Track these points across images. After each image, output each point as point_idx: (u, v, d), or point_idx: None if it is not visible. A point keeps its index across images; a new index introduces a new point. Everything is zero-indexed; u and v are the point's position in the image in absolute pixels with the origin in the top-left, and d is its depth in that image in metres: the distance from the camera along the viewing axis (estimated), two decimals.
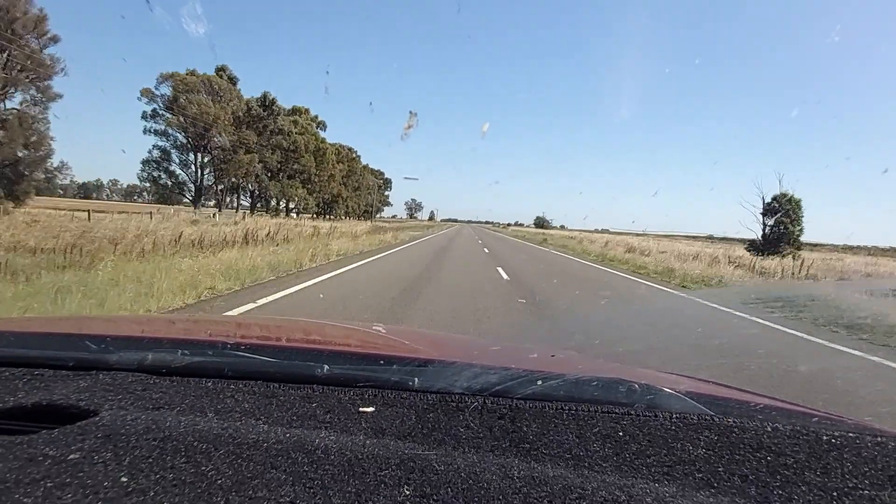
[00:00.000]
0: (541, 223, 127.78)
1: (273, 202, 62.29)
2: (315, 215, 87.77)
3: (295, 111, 64.31)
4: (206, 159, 47.07)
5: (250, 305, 5.70)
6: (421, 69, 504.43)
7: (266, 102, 49.84)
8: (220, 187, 50.54)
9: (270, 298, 6.20)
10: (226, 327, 1.29)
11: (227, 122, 44.54)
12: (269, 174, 55.32)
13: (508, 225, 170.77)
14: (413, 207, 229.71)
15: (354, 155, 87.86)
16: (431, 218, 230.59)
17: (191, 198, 45.97)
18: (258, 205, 56.85)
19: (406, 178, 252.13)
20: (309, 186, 69.64)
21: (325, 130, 69.01)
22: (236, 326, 1.40)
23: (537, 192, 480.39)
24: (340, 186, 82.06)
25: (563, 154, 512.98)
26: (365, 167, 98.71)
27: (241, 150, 46.52)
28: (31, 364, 0.70)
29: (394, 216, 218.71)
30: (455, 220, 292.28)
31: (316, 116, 68.13)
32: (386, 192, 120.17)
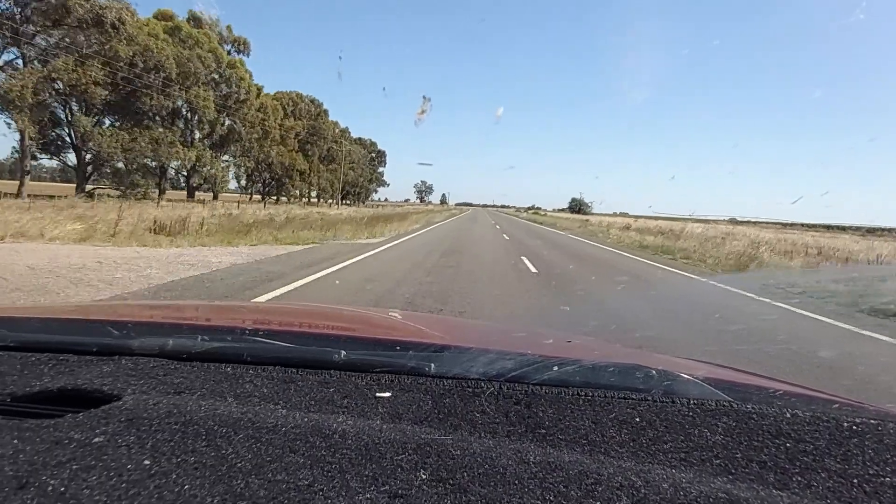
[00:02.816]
0: (577, 207, 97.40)
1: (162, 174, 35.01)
2: (262, 196, 60.67)
3: (164, 18, 36.24)
4: None
5: None
6: (434, 54, 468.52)
7: None
8: None
9: None
10: (245, 313, 1.25)
11: None
12: (94, 110, 27.86)
13: (532, 210, 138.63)
14: (423, 191, 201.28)
15: (319, 109, 59.61)
16: (443, 202, 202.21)
17: None
18: (90, 174, 29.54)
19: (420, 163, 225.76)
20: (233, 149, 42.19)
21: (246, 55, 40.75)
22: (255, 312, 1.34)
23: (553, 175, 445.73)
24: (295, 154, 54.84)
25: (578, 137, 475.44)
26: (343, 132, 70.57)
27: None
28: (56, 349, 0.70)
29: (406, 200, 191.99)
30: (469, 204, 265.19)
31: (229, 28, 40.03)
32: (380, 169, 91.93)
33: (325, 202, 71.43)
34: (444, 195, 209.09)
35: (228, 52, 39.42)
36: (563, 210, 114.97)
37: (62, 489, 0.40)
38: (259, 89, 40.88)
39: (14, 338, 0.73)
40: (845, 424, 0.55)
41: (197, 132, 39.06)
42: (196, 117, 35.33)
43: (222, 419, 0.51)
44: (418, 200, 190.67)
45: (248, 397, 0.58)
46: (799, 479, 0.46)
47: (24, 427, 0.48)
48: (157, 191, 36.66)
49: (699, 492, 0.42)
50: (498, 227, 24.96)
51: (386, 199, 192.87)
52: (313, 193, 69.52)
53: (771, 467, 0.48)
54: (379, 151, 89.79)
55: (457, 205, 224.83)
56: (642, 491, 0.42)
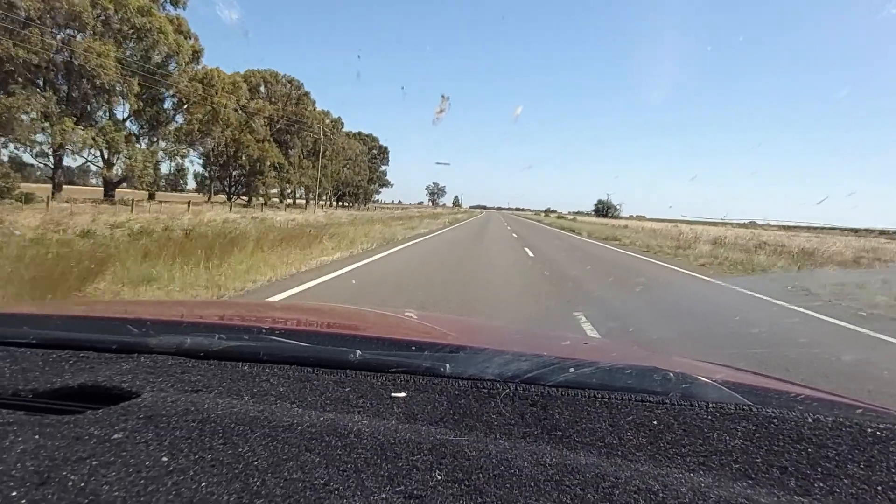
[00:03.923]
0: (604, 210, 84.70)
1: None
2: (228, 196, 49.97)
3: None
4: None
5: None
6: (453, 53, 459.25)
7: None
8: None
9: None
10: (261, 312, 1.22)
11: None
12: None
13: (555, 214, 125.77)
14: (435, 192, 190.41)
15: (300, 93, 49.07)
16: (456, 204, 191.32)
17: None
18: None
19: (438, 162, 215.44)
20: (164, 132, 31.69)
21: (183, 7, 30.30)
22: (271, 311, 1.35)
23: (569, 177, 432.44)
24: (267, 144, 44.52)
25: (597, 138, 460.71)
26: (336, 123, 60.06)
27: None
28: (76, 346, 0.70)
29: (420, 202, 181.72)
30: (483, 207, 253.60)
31: None
32: (382, 167, 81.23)
33: (318, 204, 60.96)
34: (456, 197, 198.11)
35: (162, 5, 29.16)
36: (581, 214, 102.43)
37: (82, 485, 0.40)
38: (196, 52, 30.30)
39: (36, 335, 0.73)
40: (869, 430, 0.53)
41: (126, 108, 28.85)
42: (101, 85, 24.90)
43: (239, 417, 0.51)
44: (430, 203, 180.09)
45: (264, 396, 0.58)
46: (821, 484, 0.45)
47: (45, 423, 0.49)
48: (50, 186, 26.47)
49: (718, 496, 0.42)
50: (530, 253, 11.77)
51: (399, 202, 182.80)
52: (299, 193, 59.19)
53: (792, 472, 0.46)
54: (381, 147, 78.93)
55: (471, 207, 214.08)
56: (660, 495, 0.41)
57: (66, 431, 0.47)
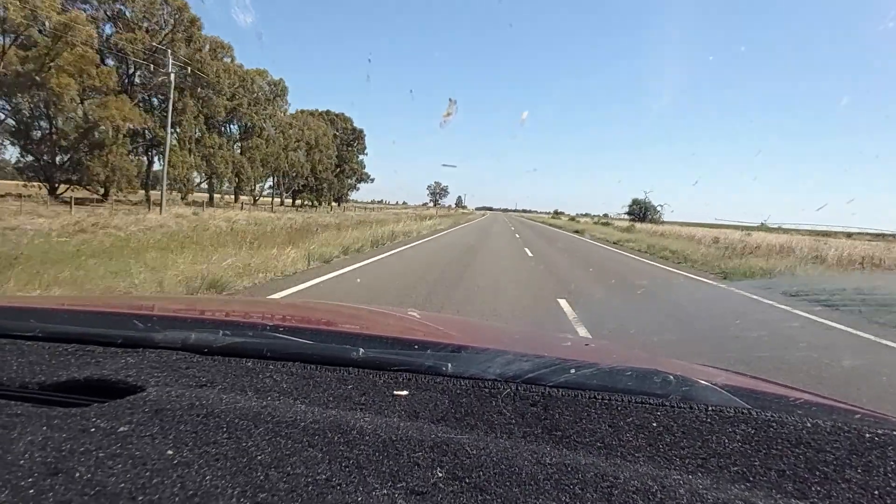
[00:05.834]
0: (641, 213, 65.59)
1: None
2: (51, 189, 31.04)
3: None
4: None
5: None
6: (462, 58, 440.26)
7: None
8: None
9: None
10: (265, 309, 1.25)
11: None
12: None
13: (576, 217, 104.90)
14: (437, 193, 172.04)
15: (183, 16, 31.08)
16: (459, 205, 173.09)
17: None
18: None
19: (444, 165, 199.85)
20: None
21: None
22: (275, 309, 1.34)
23: (579, 178, 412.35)
24: (114, 100, 27.23)
25: (606, 140, 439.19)
26: (276, 86, 41.88)
27: None
28: (82, 340, 0.71)
29: (424, 203, 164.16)
30: (489, 208, 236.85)
31: None
32: (359, 157, 63.17)
33: (276, 202, 43.36)
34: (459, 197, 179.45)
35: None
36: (586, 216, 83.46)
37: (89, 476, 0.40)
38: None
39: (42, 328, 0.73)
40: (867, 435, 0.52)
41: None
42: None
43: (243, 413, 0.51)
44: (432, 203, 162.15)
45: (268, 392, 0.58)
46: (818, 488, 0.45)
47: (53, 415, 0.49)
48: None
49: (716, 498, 0.42)
50: None
51: (404, 202, 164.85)
52: (225, 186, 41.65)
53: (790, 476, 0.46)
54: (355, 130, 60.22)
55: (476, 209, 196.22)
56: (659, 496, 0.41)
57: (72, 424, 0.47)
